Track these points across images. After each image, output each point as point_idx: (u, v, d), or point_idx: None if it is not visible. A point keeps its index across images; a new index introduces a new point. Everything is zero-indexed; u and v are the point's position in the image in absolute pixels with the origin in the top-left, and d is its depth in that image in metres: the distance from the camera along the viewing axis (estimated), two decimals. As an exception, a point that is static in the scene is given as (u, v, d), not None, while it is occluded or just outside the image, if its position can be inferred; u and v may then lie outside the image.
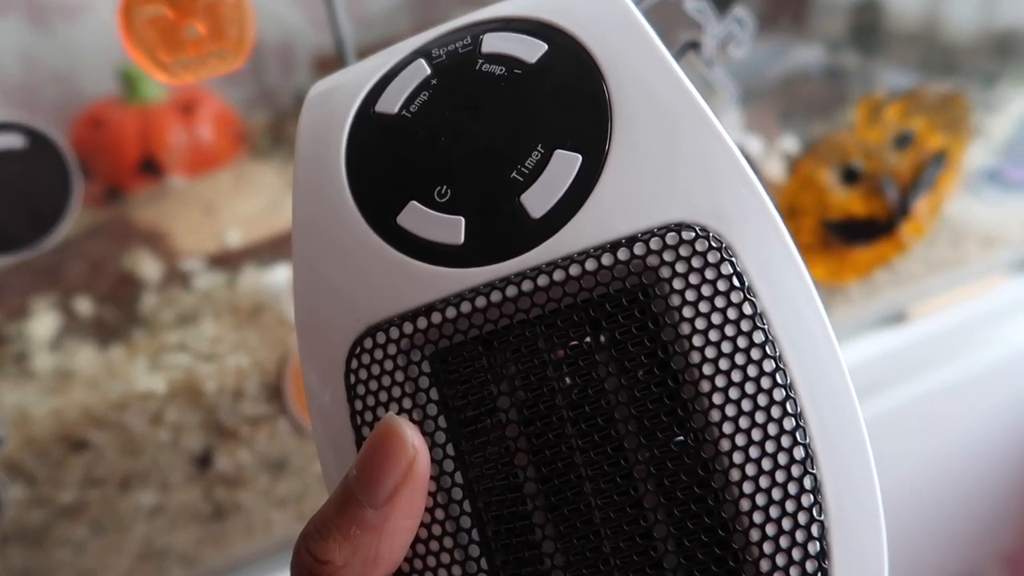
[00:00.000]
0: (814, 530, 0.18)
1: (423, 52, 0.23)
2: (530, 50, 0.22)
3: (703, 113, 0.20)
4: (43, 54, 0.74)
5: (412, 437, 0.19)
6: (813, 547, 0.18)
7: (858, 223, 0.58)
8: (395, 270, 0.21)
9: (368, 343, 0.21)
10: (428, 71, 0.23)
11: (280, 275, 0.55)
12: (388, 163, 0.22)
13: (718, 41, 0.48)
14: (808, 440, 0.18)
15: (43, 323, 0.51)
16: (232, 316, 0.52)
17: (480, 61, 0.22)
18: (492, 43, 0.22)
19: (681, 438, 0.19)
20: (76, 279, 0.55)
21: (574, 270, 0.19)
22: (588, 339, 0.20)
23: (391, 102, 0.23)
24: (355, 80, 0.24)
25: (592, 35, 0.22)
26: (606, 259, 0.19)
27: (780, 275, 0.19)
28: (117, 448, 0.44)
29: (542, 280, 0.19)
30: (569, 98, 0.21)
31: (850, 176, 0.57)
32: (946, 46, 0.75)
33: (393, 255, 0.21)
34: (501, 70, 0.22)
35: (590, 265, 0.19)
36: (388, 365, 0.20)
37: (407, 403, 0.20)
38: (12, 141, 0.36)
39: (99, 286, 0.55)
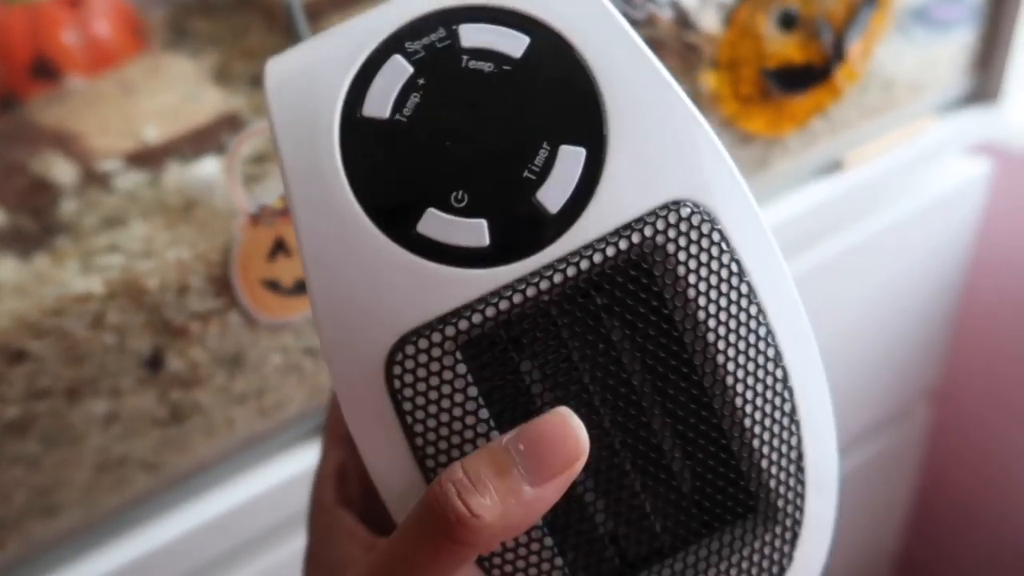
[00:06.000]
0: (794, 428, 0.23)
1: (395, 46, 0.23)
2: (513, 44, 0.22)
3: (680, 97, 0.22)
4: None
5: (586, 437, 0.21)
6: (794, 440, 0.23)
7: (796, 70, 0.58)
8: (423, 277, 0.21)
9: (409, 349, 0.21)
10: (410, 69, 0.22)
11: (208, 167, 0.52)
12: (395, 172, 0.22)
13: None
14: (780, 354, 0.23)
15: (-47, 237, 0.47)
16: (163, 215, 0.49)
17: (465, 57, 0.22)
18: (471, 36, 0.22)
19: (685, 371, 0.23)
20: (-18, 189, 0.50)
21: (597, 257, 0.21)
22: (601, 307, 0.22)
23: (379, 105, 0.22)
24: (325, 75, 0.23)
25: (570, 25, 0.22)
26: (623, 244, 0.21)
27: (750, 232, 0.22)
28: (59, 357, 0.41)
29: (571, 271, 0.21)
30: (562, 92, 0.22)
31: (787, 22, 0.57)
32: None
33: (418, 263, 0.21)
34: (489, 67, 0.22)
35: (610, 251, 0.21)
36: (434, 367, 0.21)
37: (459, 398, 0.21)
38: None
39: (9, 195, 0.51)
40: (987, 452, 0.98)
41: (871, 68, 0.63)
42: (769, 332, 0.22)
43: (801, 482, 0.23)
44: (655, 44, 0.56)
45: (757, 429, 0.23)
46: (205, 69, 0.64)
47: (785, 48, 0.57)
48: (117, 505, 0.46)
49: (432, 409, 0.21)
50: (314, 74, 0.23)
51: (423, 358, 0.21)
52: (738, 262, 0.22)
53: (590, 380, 0.22)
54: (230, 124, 0.56)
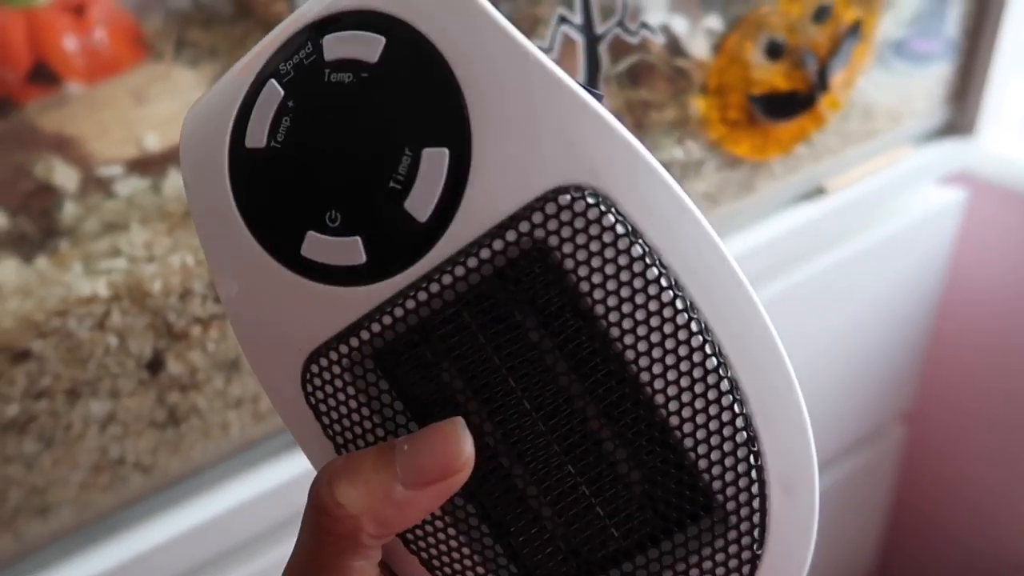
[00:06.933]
0: (739, 422, 0.21)
1: (271, 70, 0.22)
2: (369, 48, 0.21)
3: (549, 73, 0.20)
4: None
5: (469, 453, 0.21)
6: (740, 436, 0.21)
7: (781, 97, 0.60)
8: (314, 298, 0.22)
9: (315, 368, 0.22)
10: (281, 93, 0.22)
11: (210, 175, 0.53)
12: (275, 199, 0.22)
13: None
14: (717, 349, 0.21)
15: (-46, 238, 0.48)
16: (163, 221, 0.50)
17: (327, 71, 0.21)
18: (332, 47, 0.21)
19: (603, 367, 0.21)
20: (-17, 191, 0.51)
21: (472, 262, 0.20)
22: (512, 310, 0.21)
23: (258, 135, 0.22)
24: (219, 111, 0.23)
25: (419, 15, 0.21)
26: (497, 244, 0.20)
27: (659, 207, 0.20)
28: (62, 357, 0.42)
29: (447, 279, 0.20)
30: (419, 91, 0.21)
31: (773, 51, 0.59)
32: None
33: (308, 285, 0.21)
34: (349, 77, 0.21)
35: (484, 254, 0.20)
36: (338, 383, 0.22)
37: (367, 410, 0.22)
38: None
39: (10, 198, 0.51)
40: (959, 471, 1.01)
41: (853, 98, 0.65)
42: (693, 319, 0.20)
43: (756, 482, 0.21)
44: (647, 68, 0.57)
45: (686, 428, 0.21)
46: (205, 79, 0.65)
47: (771, 76, 0.59)
48: (111, 505, 0.47)
49: (345, 422, 0.22)
50: (210, 113, 0.23)
51: (327, 376, 0.22)
52: (643, 244, 0.20)
53: (517, 382, 0.21)
54: (231, 134, 0.57)
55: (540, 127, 0.20)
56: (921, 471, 1.02)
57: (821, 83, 0.61)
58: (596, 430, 0.22)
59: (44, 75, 0.63)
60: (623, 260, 0.20)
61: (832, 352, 0.78)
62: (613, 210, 0.20)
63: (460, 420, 0.21)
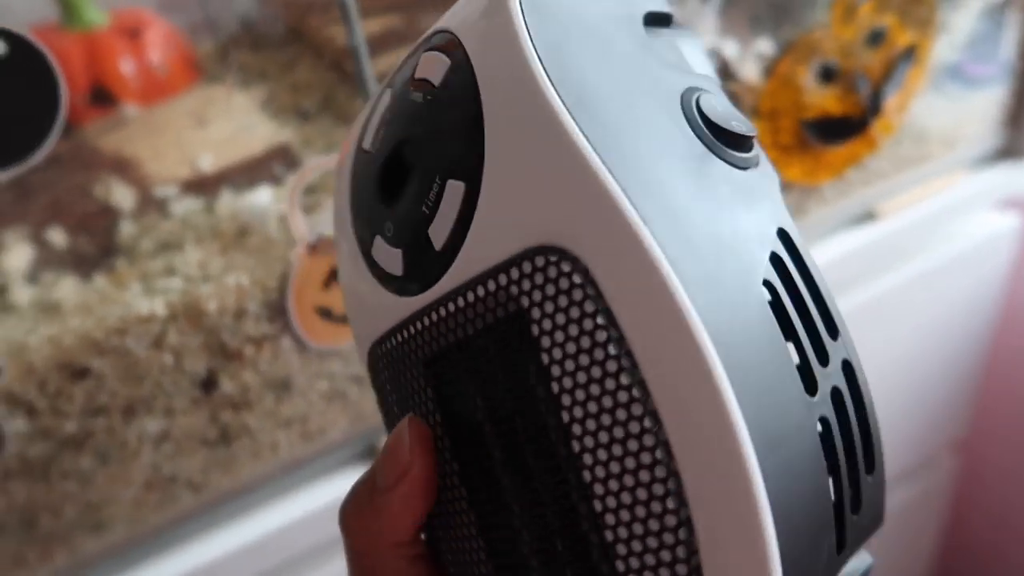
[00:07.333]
0: (680, 551, 0.17)
1: (392, 79, 0.24)
2: (438, 69, 0.21)
3: (558, 127, 0.18)
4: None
5: (411, 445, 0.22)
6: (680, 568, 0.17)
7: (833, 122, 0.60)
8: (375, 295, 0.23)
9: (372, 357, 0.24)
10: (388, 102, 0.23)
11: (263, 197, 0.53)
12: (366, 199, 0.23)
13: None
14: (672, 471, 0.17)
15: (17, 256, 0.49)
16: (216, 240, 0.51)
17: (411, 87, 0.22)
18: (421, 64, 0.22)
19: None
20: (45, 210, 0.52)
21: (451, 307, 0.20)
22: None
23: (369, 138, 0.24)
24: (370, 109, 0.25)
25: (472, 44, 0.20)
26: (480, 291, 0.19)
27: (638, 292, 0.17)
28: (119, 375, 0.43)
29: (442, 312, 0.21)
30: (456, 121, 0.20)
31: (826, 75, 0.58)
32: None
33: (372, 282, 0.23)
34: (420, 96, 0.21)
35: (470, 297, 0.20)
36: (384, 376, 0.24)
37: (405, 403, 0.23)
38: (-7, 47, 0.33)
39: (70, 216, 0.52)
40: (1012, 502, 0.98)
41: (906, 122, 0.64)
42: (646, 431, 0.17)
43: None
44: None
45: (620, 533, 0.18)
46: (256, 102, 0.66)
47: (824, 100, 0.58)
48: (162, 522, 0.47)
49: (386, 406, 0.24)
50: (367, 108, 0.25)
51: (378, 365, 0.24)
52: (607, 328, 0.17)
53: (520, 423, 0.20)
54: (283, 156, 0.57)
55: (538, 180, 0.18)
56: (971, 501, 1.00)
57: (874, 107, 0.60)
58: (574, 497, 0.19)
59: (103, 97, 0.65)
60: (586, 342, 0.17)
61: (883, 379, 0.77)
62: (592, 283, 0.17)
63: (408, 416, 0.22)
